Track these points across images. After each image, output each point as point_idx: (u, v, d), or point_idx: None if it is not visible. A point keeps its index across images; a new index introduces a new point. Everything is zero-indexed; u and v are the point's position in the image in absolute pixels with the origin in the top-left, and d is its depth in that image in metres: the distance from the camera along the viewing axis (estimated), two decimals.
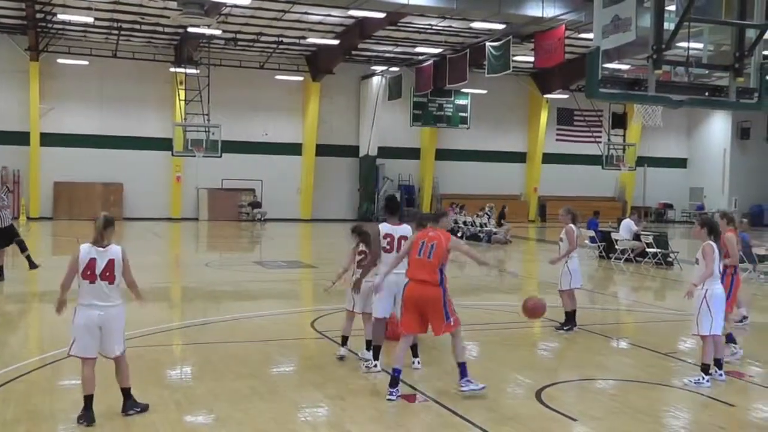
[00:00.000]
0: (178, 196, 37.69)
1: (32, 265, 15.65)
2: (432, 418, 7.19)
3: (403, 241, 8.56)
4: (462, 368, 7.80)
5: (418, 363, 8.87)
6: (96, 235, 6.88)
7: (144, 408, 7.07)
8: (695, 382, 8.45)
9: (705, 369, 8.52)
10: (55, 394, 7.71)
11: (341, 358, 9.18)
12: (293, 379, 8.73)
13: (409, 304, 7.79)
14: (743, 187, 44.76)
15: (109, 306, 6.82)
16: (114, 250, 6.89)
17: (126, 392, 7.03)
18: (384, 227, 8.73)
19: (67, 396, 7.60)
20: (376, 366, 8.70)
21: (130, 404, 7.01)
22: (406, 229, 8.75)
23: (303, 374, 8.84)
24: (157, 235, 30.30)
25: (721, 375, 8.64)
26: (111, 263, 6.82)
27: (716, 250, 8.47)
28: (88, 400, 6.81)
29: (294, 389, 8.10)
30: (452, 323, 7.73)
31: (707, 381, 8.45)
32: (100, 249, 6.84)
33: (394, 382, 7.69)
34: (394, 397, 7.61)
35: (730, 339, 9.74)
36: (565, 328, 11.33)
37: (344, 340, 9.29)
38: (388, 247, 8.62)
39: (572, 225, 11.44)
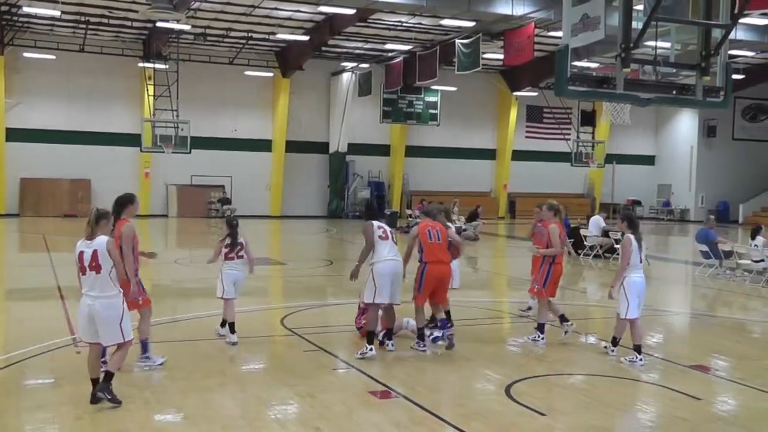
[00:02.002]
0: (147, 192, 37.29)
1: None
2: (402, 414, 7.20)
3: (389, 232, 9.70)
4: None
5: (392, 345, 9.48)
6: (87, 229, 7.09)
7: (117, 403, 7.01)
8: (629, 361, 9.22)
9: (636, 349, 9.32)
10: (21, 394, 7.60)
11: (228, 339, 9.78)
12: (262, 377, 8.70)
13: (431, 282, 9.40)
14: (710, 184, 45.38)
15: (99, 296, 7.01)
16: (98, 241, 7.06)
17: (107, 375, 7.06)
18: (375, 222, 9.63)
19: (34, 395, 7.53)
20: (372, 350, 9.11)
21: (104, 387, 6.99)
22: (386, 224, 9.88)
23: (272, 372, 8.82)
24: None
25: (641, 360, 9.18)
26: (95, 254, 7.01)
27: (633, 242, 9.23)
28: (93, 382, 7.07)
29: (263, 387, 8.07)
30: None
31: (640, 360, 9.19)
32: (88, 242, 7.07)
33: (421, 335, 9.51)
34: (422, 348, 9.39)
35: (563, 319, 10.52)
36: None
37: (224, 323, 9.92)
38: (383, 235, 9.51)
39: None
